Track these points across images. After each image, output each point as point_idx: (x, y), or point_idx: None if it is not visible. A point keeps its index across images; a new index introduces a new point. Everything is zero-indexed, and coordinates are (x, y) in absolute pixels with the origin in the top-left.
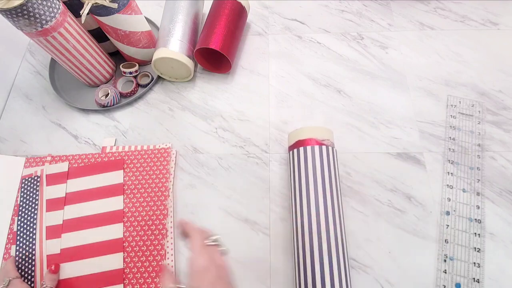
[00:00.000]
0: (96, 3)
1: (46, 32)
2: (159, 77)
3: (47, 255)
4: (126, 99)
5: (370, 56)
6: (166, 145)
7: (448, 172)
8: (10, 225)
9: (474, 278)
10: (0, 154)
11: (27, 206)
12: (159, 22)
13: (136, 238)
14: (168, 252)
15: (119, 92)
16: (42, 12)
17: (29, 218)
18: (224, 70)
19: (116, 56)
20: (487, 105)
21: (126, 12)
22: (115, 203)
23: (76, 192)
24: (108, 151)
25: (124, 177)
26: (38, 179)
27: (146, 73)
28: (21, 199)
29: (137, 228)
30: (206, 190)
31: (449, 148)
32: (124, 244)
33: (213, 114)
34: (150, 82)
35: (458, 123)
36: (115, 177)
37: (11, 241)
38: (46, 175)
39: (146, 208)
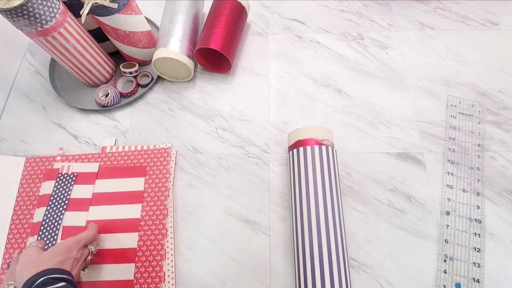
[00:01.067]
0: (96, 3)
1: (46, 32)
2: (159, 77)
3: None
4: (126, 99)
5: (370, 56)
6: (166, 145)
7: (448, 172)
8: (28, 219)
9: (474, 278)
10: (0, 154)
11: (56, 202)
12: (159, 22)
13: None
14: (168, 252)
15: (119, 92)
16: (42, 12)
17: (57, 212)
18: (224, 70)
19: (116, 56)
20: (487, 105)
21: (126, 12)
22: (133, 212)
23: (103, 193)
24: (108, 151)
25: (144, 183)
26: (74, 177)
27: (146, 73)
28: (53, 193)
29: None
30: (206, 190)
31: (449, 148)
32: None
33: (213, 114)
34: (150, 82)
35: (458, 123)
36: (136, 184)
37: (29, 232)
38: (73, 172)
39: (146, 208)
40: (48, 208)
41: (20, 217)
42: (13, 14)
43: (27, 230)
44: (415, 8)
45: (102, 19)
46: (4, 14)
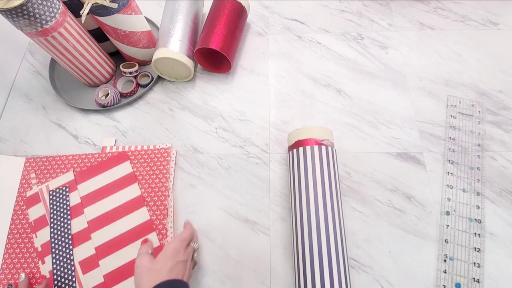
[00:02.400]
0: (96, 3)
1: (46, 32)
2: (159, 77)
3: (80, 261)
4: (126, 99)
5: (370, 56)
6: (166, 145)
7: (448, 172)
8: (28, 219)
9: (474, 278)
10: (0, 154)
11: (58, 218)
12: (159, 22)
13: None
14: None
15: (119, 92)
16: (42, 12)
17: (62, 228)
18: (224, 70)
19: (116, 56)
20: (487, 105)
21: (126, 12)
22: (132, 191)
23: (90, 193)
24: (108, 151)
25: (132, 167)
26: (67, 189)
27: (146, 73)
28: (51, 211)
29: None
30: (206, 190)
31: (449, 148)
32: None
33: (213, 114)
34: (150, 82)
35: (458, 123)
36: (123, 169)
37: (29, 232)
38: (49, 189)
39: (146, 208)
40: (52, 229)
41: (20, 217)
42: (13, 14)
43: (27, 230)
44: (415, 8)
45: (102, 19)
46: (4, 14)
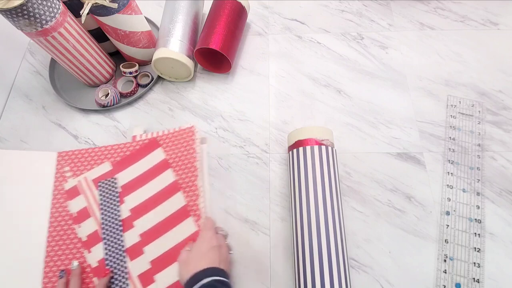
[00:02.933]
0: (96, 3)
1: (46, 32)
2: (159, 77)
3: (127, 249)
4: (126, 99)
5: (370, 56)
6: (189, 125)
7: (448, 172)
8: (68, 211)
9: (474, 278)
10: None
11: (108, 207)
12: (159, 22)
13: None
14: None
15: (119, 92)
16: (42, 12)
17: (112, 217)
18: (224, 70)
19: (116, 56)
20: (487, 105)
21: (126, 12)
22: (166, 178)
23: (128, 182)
24: (138, 139)
25: (164, 154)
26: (116, 181)
27: (146, 73)
28: (101, 202)
29: None
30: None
31: (449, 148)
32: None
33: (213, 114)
34: (150, 82)
35: (458, 123)
36: (156, 156)
37: (71, 223)
38: (92, 180)
39: (181, 193)
40: (103, 220)
41: (59, 210)
42: (13, 14)
43: (68, 222)
44: (415, 8)
45: (102, 19)
46: (4, 14)
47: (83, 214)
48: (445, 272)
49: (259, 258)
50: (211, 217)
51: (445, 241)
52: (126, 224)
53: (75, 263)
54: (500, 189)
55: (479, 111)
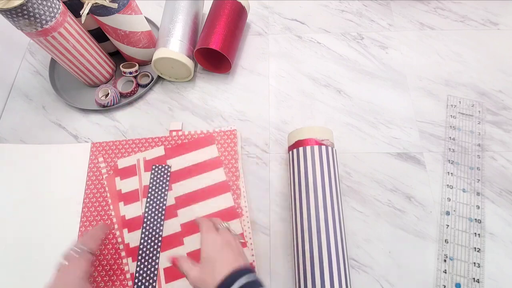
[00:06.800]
0: (96, 3)
1: (46, 32)
2: (159, 77)
3: (164, 237)
4: (126, 99)
5: (370, 56)
6: (231, 128)
7: (448, 172)
8: (101, 201)
9: (474, 278)
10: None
11: (156, 192)
12: (159, 22)
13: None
14: (245, 230)
15: (119, 92)
16: (42, 12)
17: (158, 202)
18: (224, 70)
19: (116, 56)
20: (487, 105)
21: (126, 12)
22: (218, 175)
23: (179, 170)
24: (174, 135)
25: (218, 151)
26: (169, 168)
27: (146, 73)
28: (151, 185)
29: None
30: None
31: (449, 148)
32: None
33: (213, 114)
34: (150, 82)
35: (458, 123)
36: (210, 152)
37: (126, 224)
38: (145, 161)
39: (230, 194)
40: (148, 200)
41: (92, 200)
42: (13, 14)
43: (98, 208)
44: (415, 8)
45: (102, 19)
46: (4, 14)
47: (132, 196)
48: (445, 272)
49: (259, 258)
50: (202, 217)
51: (445, 241)
52: (169, 213)
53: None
54: (500, 189)
55: (479, 111)
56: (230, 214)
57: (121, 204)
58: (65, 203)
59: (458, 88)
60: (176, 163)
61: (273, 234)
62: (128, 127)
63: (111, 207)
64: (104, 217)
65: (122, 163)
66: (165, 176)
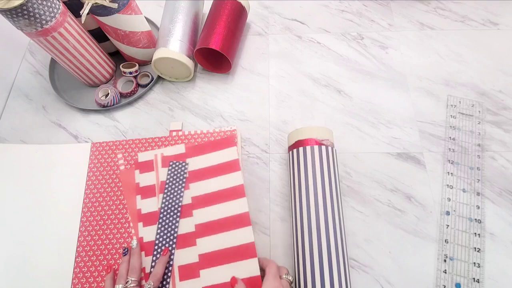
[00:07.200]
0: (96, 3)
1: (46, 32)
2: (159, 77)
3: (179, 235)
4: (126, 99)
5: (370, 56)
6: (231, 128)
7: (448, 172)
8: (101, 201)
9: (474, 278)
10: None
11: (172, 189)
12: (159, 22)
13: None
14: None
15: (119, 92)
16: (42, 12)
17: (174, 198)
18: (224, 70)
19: (116, 56)
20: (487, 105)
21: (126, 12)
22: (235, 179)
23: (197, 170)
24: (174, 135)
25: (237, 154)
26: (186, 166)
27: (146, 73)
28: (168, 181)
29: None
30: None
31: (449, 148)
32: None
33: (213, 114)
34: (150, 82)
35: (458, 123)
36: (230, 154)
37: (141, 218)
38: (163, 157)
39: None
40: (165, 196)
41: (92, 200)
42: (13, 14)
43: (98, 208)
44: (415, 8)
45: (102, 19)
46: (4, 14)
47: (149, 191)
48: (445, 272)
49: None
50: (273, 260)
51: (445, 241)
52: (185, 211)
53: (135, 241)
54: (500, 189)
55: (479, 111)
56: (244, 220)
57: (138, 197)
58: (65, 203)
59: (458, 88)
60: (196, 163)
61: (273, 234)
62: (128, 127)
63: (124, 201)
64: (104, 217)
65: (142, 157)
66: (182, 173)
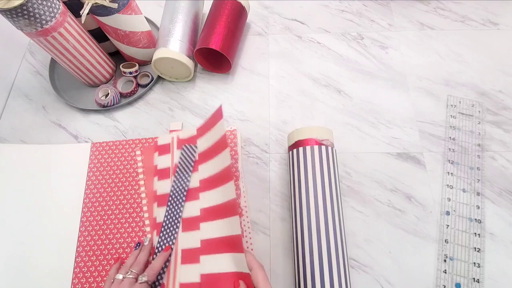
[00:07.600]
0: (96, 3)
1: (46, 32)
2: (159, 77)
3: (183, 218)
4: (126, 99)
5: (370, 56)
6: (231, 128)
7: (448, 172)
8: (101, 201)
9: (474, 278)
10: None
11: (182, 172)
12: (159, 22)
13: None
14: (245, 231)
15: (119, 92)
16: (42, 12)
17: (182, 181)
18: (224, 70)
19: (116, 56)
20: (487, 105)
21: (126, 12)
22: (225, 158)
23: (204, 151)
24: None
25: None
26: (196, 149)
27: (146, 73)
28: (179, 164)
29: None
30: None
31: (449, 148)
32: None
33: None
34: (150, 82)
35: (458, 123)
36: (221, 128)
37: (157, 201)
38: (178, 140)
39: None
40: (175, 180)
41: (92, 200)
42: (13, 14)
43: (98, 208)
44: (415, 8)
45: (102, 19)
46: (4, 14)
47: (165, 173)
48: (445, 272)
49: (259, 258)
50: (262, 266)
51: (445, 241)
52: (191, 194)
53: (148, 239)
54: (500, 189)
55: (479, 111)
56: (232, 208)
57: (155, 179)
58: (65, 203)
59: (458, 88)
60: (203, 143)
61: (273, 234)
62: (128, 127)
63: (124, 201)
64: (104, 217)
65: (161, 140)
66: (191, 156)
